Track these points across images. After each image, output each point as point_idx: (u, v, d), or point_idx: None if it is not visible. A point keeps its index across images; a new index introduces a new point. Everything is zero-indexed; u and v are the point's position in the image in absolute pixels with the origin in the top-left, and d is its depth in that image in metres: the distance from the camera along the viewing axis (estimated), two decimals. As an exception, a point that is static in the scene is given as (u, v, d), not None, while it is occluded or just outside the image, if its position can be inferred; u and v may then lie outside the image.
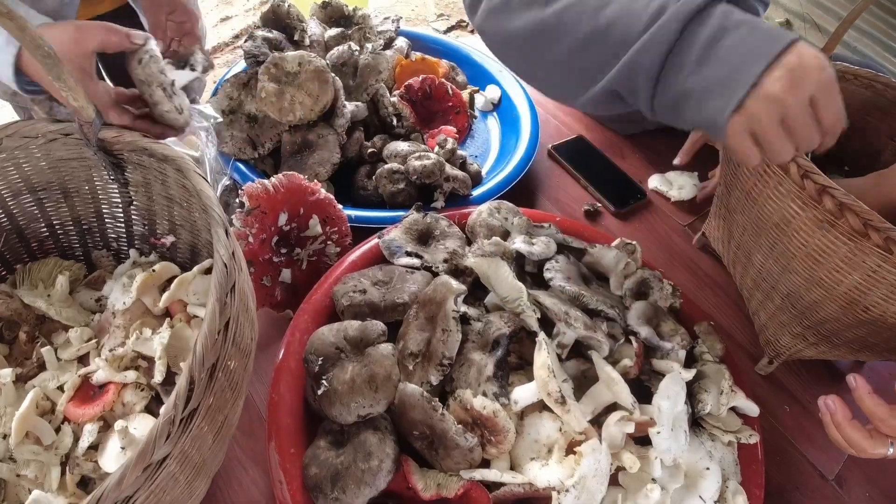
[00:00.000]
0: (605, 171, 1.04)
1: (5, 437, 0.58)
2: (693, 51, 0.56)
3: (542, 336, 0.62)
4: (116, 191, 0.69)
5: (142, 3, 0.81)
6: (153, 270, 0.64)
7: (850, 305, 0.68)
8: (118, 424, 0.55)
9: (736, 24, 0.55)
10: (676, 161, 1.01)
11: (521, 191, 0.96)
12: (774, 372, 0.87)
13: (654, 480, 0.64)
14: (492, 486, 0.61)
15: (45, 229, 0.72)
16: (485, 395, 0.62)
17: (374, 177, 0.88)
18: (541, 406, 0.64)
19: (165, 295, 0.63)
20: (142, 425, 0.57)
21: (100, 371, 0.60)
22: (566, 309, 0.65)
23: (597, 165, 1.04)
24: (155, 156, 0.62)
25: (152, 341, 0.60)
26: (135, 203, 0.69)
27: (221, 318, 0.48)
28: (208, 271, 0.65)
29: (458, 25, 3.40)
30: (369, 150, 0.90)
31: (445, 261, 0.76)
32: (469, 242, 0.82)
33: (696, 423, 0.71)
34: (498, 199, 0.88)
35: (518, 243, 0.73)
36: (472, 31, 3.35)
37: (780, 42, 0.53)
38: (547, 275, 0.71)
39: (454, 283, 0.66)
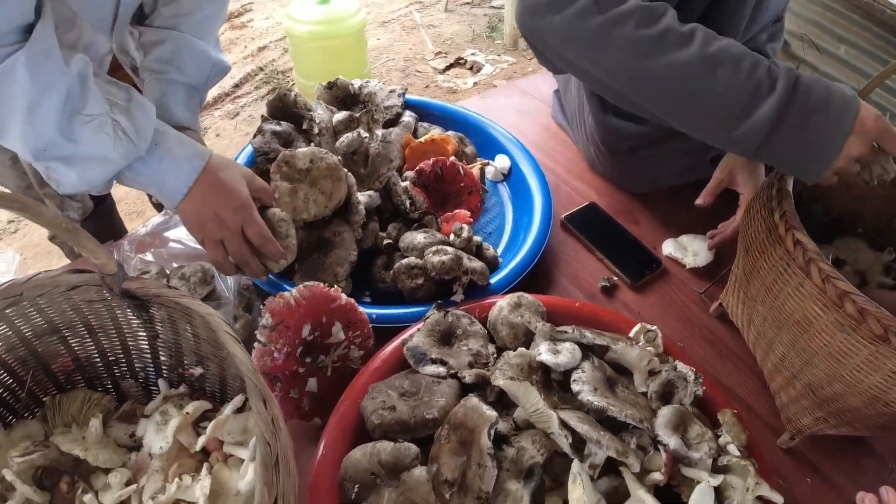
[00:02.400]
0: (619, 240, 1.04)
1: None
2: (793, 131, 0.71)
3: (576, 467, 0.62)
4: (142, 327, 0.69)
5: None
6: (187, 413, 0.65)
7: (871, 401, 0.69)
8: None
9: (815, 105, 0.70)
10: (699, 201, 0.99)
11: (539, 268, 0.96)
12: (796, 444, 0.88)
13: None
14: None
15: (71, 363, 0.72)
16: (521, 527, 0.62)
17: (392, 270, 0.89)
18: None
19: (202, 439, 0.63)
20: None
21: (143, 521, 0.60)
22: (597, 434, 0.65)
23: (611, 234, 1.04)
24: (178, 308, 0.62)
25: (194, 489, 0.61)
26: (161, 337, 0.70)
27: (270, 496, 0.48)
28: (240, 409, 0.66)
29: (457, 63, 3.40)
30: (385, 242, 0.90)
31: (471, 364, 0.77)
32: (491, 339, 0.82)
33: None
34: (517, 286, 0.88)
35: (544, 354, 0.73)
36: (470, 69, 3.33)
37: (851, 112, 0.69)
38: (574, 387, 0.72)
39: (486, 409, 0.66)
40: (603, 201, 1.10)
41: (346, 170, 0.88)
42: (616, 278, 0.99)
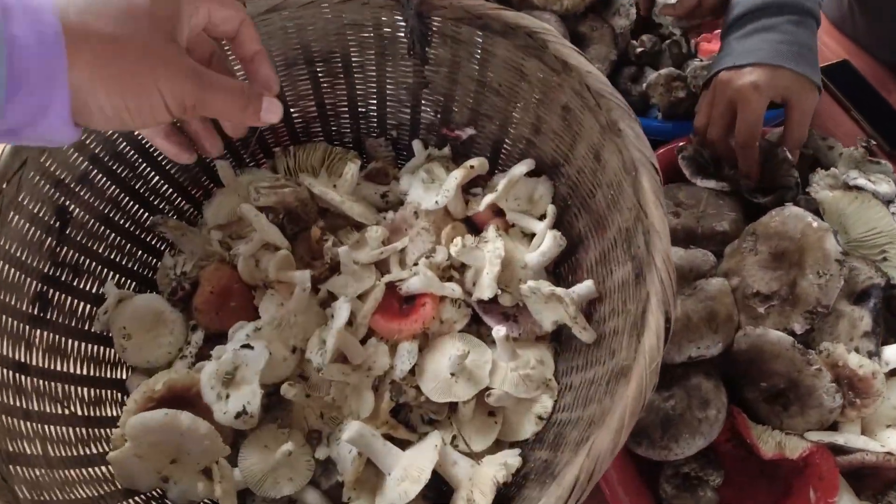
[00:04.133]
0: (874, 104, 0.89)
1: (294, 350, 0.51)
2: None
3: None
4: (410, 69, 0.59)
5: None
6: (471, 166, 0.55)
7: None
8: (458, 347, 0.47)
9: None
10: None
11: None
12: None
13: None
14: (835, 449, 0.53)
15: (313, 108, 0.63)
16: (857, 351, 0.52)
17: (643, 83, 0.76)
18: (902, 371, 0.54)
19: (487, 198, 0.54)
20: (474, 352, 0.50)
21: (415, 280, 0.52)
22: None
23: (865, 97, 0.90)
24: (490, 27, 0.51)
25: (480, 252, 0.51)
26: (431, 85, 0.59)
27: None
28: (531, 174, 0.56)
29: None
30: (638, 50, 0.77)
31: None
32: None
33: None
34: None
35: (860, 179, 0.61)
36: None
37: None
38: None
39: (812, 217, 0.55)
40: (855, 62, 0.95)
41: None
42: (874, 142, 0.86)
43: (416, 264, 0.54)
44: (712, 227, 0.61)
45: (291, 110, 0.62)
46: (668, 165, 0.70)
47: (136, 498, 0.46)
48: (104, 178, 0.54)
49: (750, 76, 0.63)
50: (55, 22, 0.32)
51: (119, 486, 0.46)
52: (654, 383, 0.32)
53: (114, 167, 0.54)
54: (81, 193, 0.52)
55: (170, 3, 0.38)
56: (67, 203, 0.51)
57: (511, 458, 0.44)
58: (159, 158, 0.58)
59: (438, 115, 0.60)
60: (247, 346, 0.48)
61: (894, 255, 0.55)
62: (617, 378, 0.38)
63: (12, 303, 0.46)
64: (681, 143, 0.69)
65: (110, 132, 0.53)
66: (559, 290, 0.47)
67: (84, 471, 0.45)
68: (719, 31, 0.83)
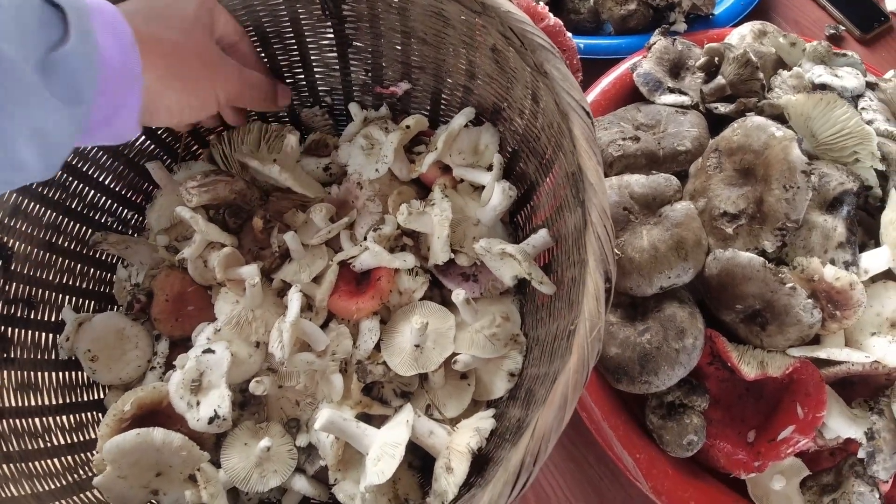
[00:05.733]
0: (842, -15, 0.83)
1: (258, 345, 0.51)
2: None
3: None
4: (330, 30, 0.54)
5: None
6: (406, 127, 0.52)
7: None
8: (417, 321, 0.46)
9: None
10: None
11: (758, 9, 0.77)
12: None
13: None
14: (819, 362, 0.53)
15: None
16: (832, 263, 0.51)
17: (591, -2, 0.71)
18: (883, 274, 0.53)
19: (428, 157, 0.51)
20: (436, 320, 0.48)
21: (365, 255, 0.50)
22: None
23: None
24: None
25: (427, 216, 0.49)
26: (354, 44, 0.55)
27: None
28: (474, 123, 0.52)
29: None
30: (581, -36, 0.71)
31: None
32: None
33: None
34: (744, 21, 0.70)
35: (826, 76, 0.57)
36: None
37: None
38: (866, 115, 0.57)
39: (776, 126, 0.52)
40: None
41: None
42: (843, 28, 0.80)
43: (365, 238, 0.52)
44: (674, 147, 0.58)
45: (217, 93, 0.59)
46: (626, 86, 0.66)
47: (131, 513, 0.47)
48: (38, 206, 0.52)
49: None
50: (129, 30, 0.36)
51: (112, 508, 0.47)
52: (599, 350, 0.31)
53: (45, 192, 0.52)
54: (18, 226, 0.51)
55: (207, 13, 0.45)
56: (5, 239, 0.49)
57: (483, 422, 0.44)
58: (90, 172, 0.55)
59: (370, 74, 0.57)
60: (208, 350, 0.48)
61: (866, 156, 0.52)
62: (570, 337, 0.36)
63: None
64: (635, 59, 0.65)
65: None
66: (509, 248, 0.45)
67: (76, 498, 0.46)
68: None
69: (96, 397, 0.55)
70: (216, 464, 0.48)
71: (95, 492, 0.47)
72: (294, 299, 0.47)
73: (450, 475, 0.42)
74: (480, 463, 0.43)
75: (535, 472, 0.28)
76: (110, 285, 0.58)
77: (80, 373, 0.54)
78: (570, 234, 0.44)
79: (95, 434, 0.52)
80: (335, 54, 0.56)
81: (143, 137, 0.58)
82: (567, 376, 0.30)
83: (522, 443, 0.29)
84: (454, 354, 0.48)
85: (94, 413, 0.54)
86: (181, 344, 0.54)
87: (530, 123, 0.48)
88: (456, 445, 0.43)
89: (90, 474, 0.48)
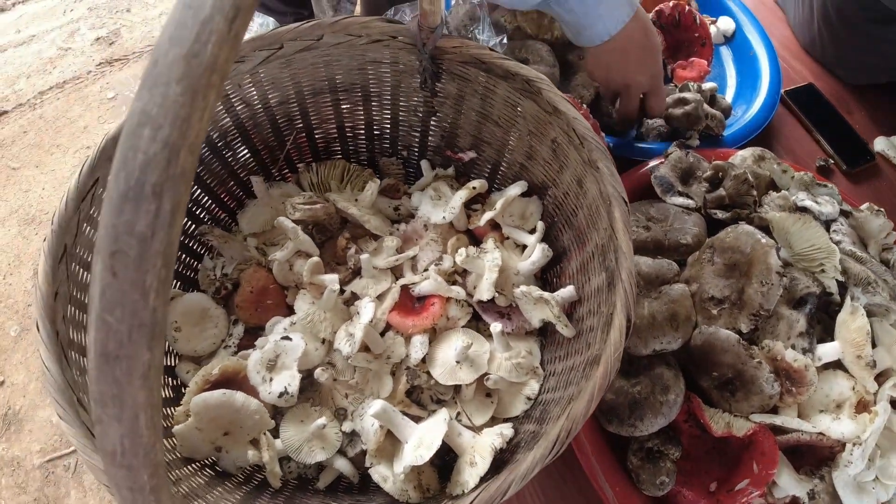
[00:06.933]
0: (836, 125, 0.99)
1: (324, 341, 0.61)
2: None
3: (858, 302, 0.62)
4: (420, 100, 0.68)
5: None
6: (473, 188, 0.64)
7: None
8: (462, 340, 0.57)
9: None
10: None
11: (760, 136, 0.92)
12: None
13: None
14: (776, 430, 0.64)
15: (335, 130, 0.72)
16: (793, 348, 0.63)
17: (624, 107, 0.86)
18: (833, 364, 0.65)
19: (486, 215, 0.64)
20: (475, 344, 0.59)
21: (426, 283, 0.62)
22: (872, 276, 0.64)
23: (827, 118, 0.99)
24: (493, 71, 0.60)
25: (480, 260, 0.61)
26: (438, 114, 0.68)
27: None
28: (524, 194, 0.65)
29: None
30: (620, 78, 0.87)
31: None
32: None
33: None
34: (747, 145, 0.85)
35: (807, 201, 0.72)
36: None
37: None
38: (834, 237, 0.71)
39: (761, 235, 0.65)
40: (819, 84, 1.05)
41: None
42: (832, 161, 0.96)
43: (426, 270, 0.63)
44: (677, 240, 0.71)
45: (315, 131, 0.71)
46: (641, 183, 0.80)
47: (194, 465, 0.56)
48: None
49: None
50: None
51: (180, 455, 0.56)
52: (617, 368, 0.42)
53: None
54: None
55: None
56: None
57: (506, 429, 0.54)
58: (202, 174, 0.67)
59: (444, 140, 0.70)
60: (286, 337, 0.58)
61: (830, 268, 0.66)
62: (591, 365, 0.48)
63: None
64: (653, 163, 0.79)
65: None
66: (545, 294, 0.57)
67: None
68: (694, 58, 0.93)
69: (169, 363, 0.64)
70: (273, 434, 0.57)
71: (167, 440, 0.56)
72: (368, 307, 0.57)
73: (473, 468, 0.52)
74: (497, 464, 0.53)
75: (566, 443, 0.38)
76: (194, 271, 0.69)
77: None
78: (593, 293, 0.56)
79: (165, 394, 0.61)
80: (419, 119, 0.69)
81: (248, 154, 0.70)
82: (595, 380, 0.41)
83: (560, 421, 0.39)
84: (486, 374, 0.58)
85: (165, 377, 0.63)
86: (252, 332, 0.65)
87: (572, 202, 0.61)
88: (480, 445, 0.53)
89: (163, 426, 0.57)
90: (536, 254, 0.62)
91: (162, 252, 0.20)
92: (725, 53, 1.01)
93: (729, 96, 0.96)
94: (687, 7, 0.91)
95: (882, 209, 0.81)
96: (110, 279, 0.20)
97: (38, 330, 0.44)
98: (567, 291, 0.59)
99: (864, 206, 0.81)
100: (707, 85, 0.89)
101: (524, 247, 0.65)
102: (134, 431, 0.21)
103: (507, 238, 0.66)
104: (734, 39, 1.02)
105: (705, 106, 0.84)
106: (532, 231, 0.65)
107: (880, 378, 0.66)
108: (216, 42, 0.20)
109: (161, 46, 0.20)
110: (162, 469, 0.23)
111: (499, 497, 0.37)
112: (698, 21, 0.92)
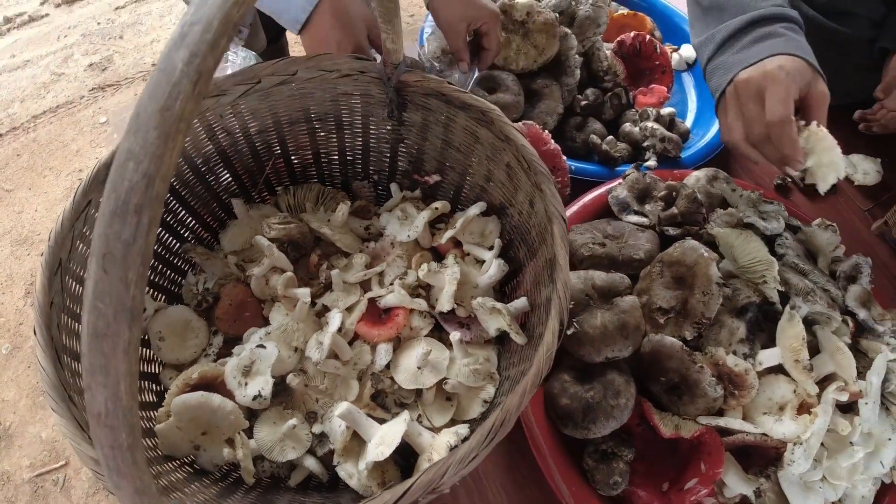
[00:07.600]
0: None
1: (296, 350, 0.66)
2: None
3: (797, 311, 0.67)
4: (389, 128, 0.74)
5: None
6: (436, 208, 0.70)
7: None
8: (423, 347, 0.62)
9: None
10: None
11: (718, 157, 0.98)
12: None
13: (851, 444, 0.71)
14: (723, 432, 0.68)
15: (310, 156, 0.78)
16: (735, 354, 0.68)
17: (587, 131, 0.92)
18: (777, 369, 0.70)
19: (448, 233, 0.69)
20: (436, 351, 0.64)
21: (391, 296, 0.67)
22: (811, 286, 0.69)
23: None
24: (452, 103, 0.66)
25: (442, 275, 0.66)
26: (405, 141, 0.74)
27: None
28: (483, 213, 0.71)
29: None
30: (582, 104, 0.93)
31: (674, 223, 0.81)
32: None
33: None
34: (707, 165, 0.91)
35: (753, 217, 0.77)
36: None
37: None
38: (779, 250, 0.76)
39: (704, 249, 0.71)
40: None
41: (566, 29, 0.89)
42: (790, 179, 1.02)
43: (391, 284, 0.69)
44: (631, 255, 0.76)
45: (292, 157, 0.77)
46: (601, 204, 0.85)
47: (174, 462, 0.60)
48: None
49: (773, 63, 0.65)
50: None
51: (161, 453, 0.60)
52: (549, 366, 0.47)
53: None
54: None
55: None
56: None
57: (461, 429, 0.59)
58: (184, 195, 0.72)
59: (411, 164, 0.76)
60: (261, 345, 0.63)
61: (771, 279, 0.71)
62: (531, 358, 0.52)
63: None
64: (612, 185, 0.84)
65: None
66: (499, 305, 0.62)
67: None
68: (654, 84, 1.00)
69: (153, 371, 0.69)
70: (248, 434, 0.62)
71: (148, 440, 0.60)
72: (336, 317, 0.63)
73: (430, 464, 0.56)
74: (452, 462, 0.58)
75: (500, 433, 0.43)
76: (179, 286, 0.74)
77: (146, 350, 0.69)
78: (542, 304, 0.61)
79: (148, 399, 0.66)
80: (389, 146, 0.75)
81: (230, 178, 0.76)
82: (527, 378, 0.46)
83: (495, 413, 0.44)
84: (445, 379, 0.63)
85: (149, 383, 0.68)
86: (231, 342, 0.69)
87: (525, 221, 0.66)
88: (438, 444, 0.58)
89: (145, 426, 0.62)
90: (493, 268, 0.67)
91: (141, 254, 0.26)
92: (687, 80, 1.08)
93: (689, 120, 1.02)
94: (648, 37, 0.98)
95: (833, 224, 0.86)
96: (101, 275, 0.25)
97: (36, 334, 0.49)
98: (520, 302, 0.64)
99: (815, 222, 0.87)
100: (666, 110, 0.95)
101: (482, 262, 0.70)
102: (116, 395, 0.26)
103: (468, 254, 0.71)
104: (696, 66, 1.08)
105: (662, 130, 0.90)
106: (490, 248, 0.70)
107: (825, 382, 0.71)
108: (183, 99, 0.26)
109: (142, 101, 0.26)
110: (138, 431, 0.28)
111: (438, 478, 0.42)
112: (658, 50, 0.98)
